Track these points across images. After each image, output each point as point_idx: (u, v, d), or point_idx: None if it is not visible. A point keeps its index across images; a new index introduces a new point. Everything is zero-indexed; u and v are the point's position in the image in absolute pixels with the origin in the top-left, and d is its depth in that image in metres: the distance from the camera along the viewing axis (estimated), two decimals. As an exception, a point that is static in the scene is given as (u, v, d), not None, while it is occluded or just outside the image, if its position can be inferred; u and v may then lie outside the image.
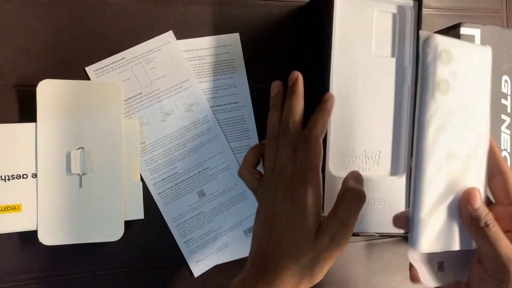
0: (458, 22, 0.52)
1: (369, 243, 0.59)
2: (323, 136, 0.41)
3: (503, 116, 0.53)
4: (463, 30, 0.52)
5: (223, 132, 0.53)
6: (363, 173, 0.50)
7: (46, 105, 0.46)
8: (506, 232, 0.33)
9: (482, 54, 0.35)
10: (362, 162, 0.50)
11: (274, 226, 0.39)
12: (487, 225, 0.32)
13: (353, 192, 0.39)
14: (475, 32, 0.53)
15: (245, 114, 0.53)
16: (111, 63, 0.49)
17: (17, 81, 0.47)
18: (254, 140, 0.54)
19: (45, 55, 0.48)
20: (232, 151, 0.53)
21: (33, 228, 0.47)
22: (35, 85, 0.46)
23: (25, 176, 0.47)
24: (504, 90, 0.53)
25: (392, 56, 0.51)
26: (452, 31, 0.53)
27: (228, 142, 0.53)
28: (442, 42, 0.33)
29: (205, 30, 0.52)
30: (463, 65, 0.34)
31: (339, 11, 0.49)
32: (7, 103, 0.47)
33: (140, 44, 0.50)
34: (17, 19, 0.48)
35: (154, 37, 0.51)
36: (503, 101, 0.53)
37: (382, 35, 0.51)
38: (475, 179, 0.34)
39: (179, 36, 0.51)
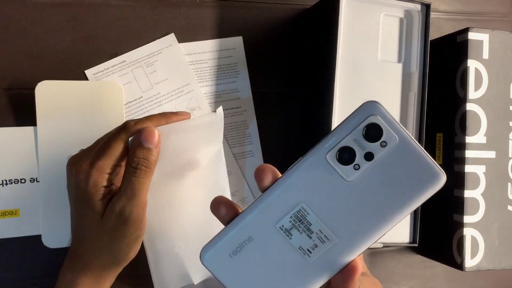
0: (467, 26, 0.51)
1: (373, 251, 0.58)
2: (131, 130, 0.37)
3: (511, 124, 0.52)
4: (471, 35, 0.51)
5: (225, 137, 0.52)
6: None
7: (46, 106, 0.46)
8: None
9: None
10: None
11: (72, 214, 0.39)
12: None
13: (137, 161, 0.36)
14: (483, 37, 0.51)
15: (248, 119, 0.52)
16: (112, 66, 0.48)
17: (15, 84, 0.47)
18: (256, 145, 0.53)
19: (44, 57, 0.47)
20: (234, 156, 0.52)
21: (32, 233, 0.46)
22: (34, 88, 0.45)
23: (23, 180, 0.46)
24: (512, 97, 0.52)
25: (399, 61, 0.50)
26: (460, 35, 0.52)
27: (230, 148, 0.52)
28: None
29: (208, 33, 0.51)
30: None
31: (345, 15, 0.48)
32: (5, 106, 0.46)
33: (141, 47, 0.49)
34: (17, 21, 0.47)
35: (155, 40, 0.50)
36: (511, 108, 0.52)
37: (389, 40, 0.50)
38: None
39: (181, 39, 0.50)
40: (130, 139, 0.38)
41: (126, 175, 0.37)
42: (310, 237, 0.29)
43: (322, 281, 0.29)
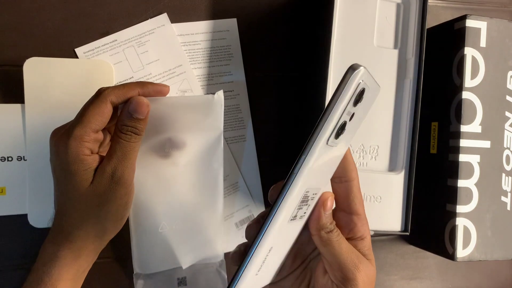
0: (464, 14, 0.50)
1: (364, 240, 0.57)
2: (113, 99, 0.37)
3: (507, 114, 0.51)
4: (469, 23, 0.50)
5: (217, 121, 0.51)
6: (361, 168, 0.48)
7: (34, 84, 0.45)
8: (346, 239, 0.33)
9: None
10: (360, 156, 0.49)
11: (55, 187, 0.38)
12: (331, 231, 0.31)
13: (126, 129, 0.37)
14: (481, 25, 0.51)
15: (240, 103, 0.52)
16: (102, 45, 0.47)
17: (3, 60, 0.46)
18: (249, 130, 0.52)
19: (34, 34, 0.46)
20: (226, 141, 0.51)
21: (19, 212, 0.46)
22: (22, 65, 0.44)
23: (10, 158, 0.45)
24: (509, 86, 0.51)
25: (395, 47, 0.50)
26: (457, 23, 0.51)
27: (222, 131, 0.51)
28: None
29: (201, 14, 0.51)
30: None
31: (341, -2, 0.47)
32: (-8, 83, 0.46)
33: (133, 26, 0.48)
34: (6, -4, 0.46)
35: (148, 19, 0.49)
36: (507, 97, 0.51)
37: (385, 25, 0.49)
38: None
39: (174, 19, 0.50)
40: (120, 105, 0.37)
41: (115, 138, 0.37)
42: (307, 204, 0.30)
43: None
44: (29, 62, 0.44)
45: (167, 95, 0.40)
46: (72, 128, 0.36)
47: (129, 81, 0.48)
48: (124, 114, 0.37)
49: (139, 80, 0.44)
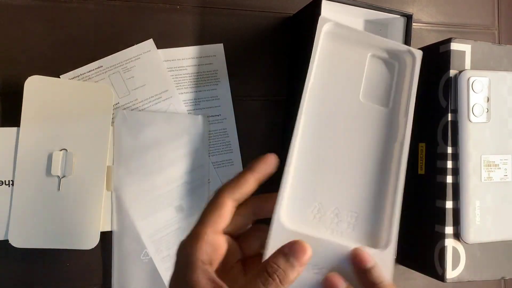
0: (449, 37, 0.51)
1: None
2: (231, 196, 0.33)
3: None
4: (454, 46, 0.51)
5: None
6: (333, 238, 0.34)
7: (33, 102, 0.45)
8: None
9: None
10: (332, 222, 0.35)
11: None
12: None
13: (274, 270, 0.30)
14: (465, 48, 0.51)
15: (228, 127, 0.52)
16: (88, 71, 0.47)
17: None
18: (236, 154, 0.52)
19: (19, 61, 0.46)
20: (213, 165, 0.51)
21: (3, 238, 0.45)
22: (4, 93, 0.44)
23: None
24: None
25: (384, 106, 0.42)
26: (442, 46, 0.52)
27: (209, 156, 0.51)
28: None
29: (188, 40, 0.51)
30: None
31: (323, 40, 0.36)
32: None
33: (118, 52, 0.48)
34: (-9, 23, 0.46)
35: (133, 45, 0.49)
36: (493, 119, 0.52)
37: (374, 78, 0.42)
38: None
39: (160, 45, 0.50)
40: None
41: (255, 278, 0.30)
42: None
43: None
44: (30, 80, 0.44)
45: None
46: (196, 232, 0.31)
47: (114, 106, 0.48)
48: (280, 252, 0.31)
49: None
